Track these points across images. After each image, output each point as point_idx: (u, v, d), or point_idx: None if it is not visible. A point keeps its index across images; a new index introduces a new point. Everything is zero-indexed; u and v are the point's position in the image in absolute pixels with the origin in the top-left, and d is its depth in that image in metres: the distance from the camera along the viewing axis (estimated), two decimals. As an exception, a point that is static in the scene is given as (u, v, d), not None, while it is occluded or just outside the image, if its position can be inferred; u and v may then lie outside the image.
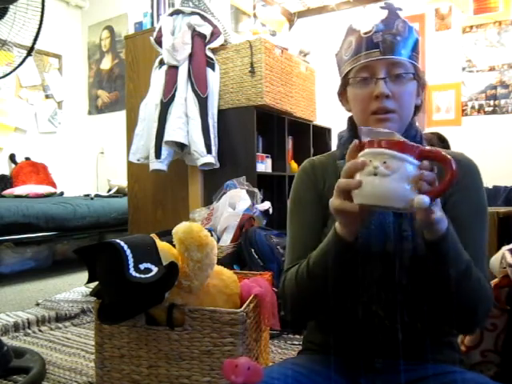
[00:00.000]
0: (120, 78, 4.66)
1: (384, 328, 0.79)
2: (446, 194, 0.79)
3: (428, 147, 0.66)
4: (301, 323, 0.98)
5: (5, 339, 1.80)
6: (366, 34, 0.82)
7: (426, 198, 0.60)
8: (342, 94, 0.90)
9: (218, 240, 2.11)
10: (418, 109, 0.87)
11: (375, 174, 0.62)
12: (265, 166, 2.63)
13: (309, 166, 0.95)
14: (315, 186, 0.92)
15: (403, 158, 0.61)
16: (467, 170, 0.83)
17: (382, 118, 0.80)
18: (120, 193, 4.14)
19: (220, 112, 2.55)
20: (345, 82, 0.87)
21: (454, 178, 0.61)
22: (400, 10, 0.83)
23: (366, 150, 0.65)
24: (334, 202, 0.69)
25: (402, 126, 0.83)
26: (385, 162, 0.61)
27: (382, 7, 0.84)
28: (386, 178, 0.61)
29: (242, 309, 0.97)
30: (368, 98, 0.81)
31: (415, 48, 0.82)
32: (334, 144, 0.96)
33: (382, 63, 0.80)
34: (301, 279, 0.80)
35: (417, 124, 0.88)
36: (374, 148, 0.63)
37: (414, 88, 0.83)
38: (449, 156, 0.62)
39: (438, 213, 0.66)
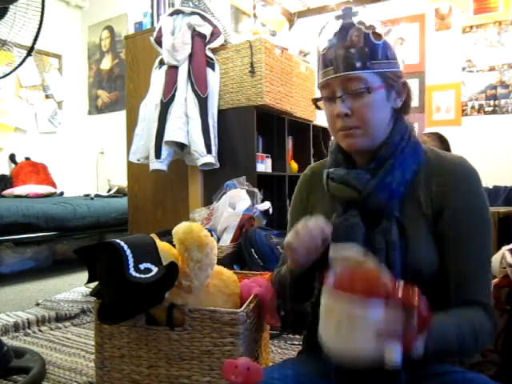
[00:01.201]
0: (120, 77, 4.66)
1: None
2: (443, 204, 0.78)
3: (397, 287, 0.60)
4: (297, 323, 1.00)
5: (5, 339, 1.80)
6: (323, 51, 0.81)
7: (396, 357, 0.57)
8: None
9: (218, 240, 2.11)
10: (402, 110, 0.85)
11: (337, 324, 0.59)
12: (265, 166, 2.63)
13: (307, 175, 0.98)
14: (306, 198, 0.95)
15: (366, 307, 0.56)
16: (465, 178, 0.80)
17: (346, 134, 0.80)
18: (120, 193, 4.14)
19: (220, 112, 2.55)
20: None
21: (425, 326, 0.58)
22: (355, 15, 0.79)
23: (328, 291, 0.61)
24: (289, 238, 0.76)
25: (373, 138, 0.81)
26: (347, 315, 0.58)
27: (336, 17, 0.80)
28: (348, 333, 0.58)
29: (242, 309, 0.97)
30: (333, 117, 0.81)
31: (375, 55, 0.77)
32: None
33: (337, 81, 0.79)
34: (276, 283, 0.94)
35: (405, 125, 0.84)
36: (336, 292, 0.59)
37: (380, 97, 0.79)
38: (416, 302, 0.58)
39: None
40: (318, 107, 0.87)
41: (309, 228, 0.76)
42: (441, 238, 0.78)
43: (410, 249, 0.77)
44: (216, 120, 2.51)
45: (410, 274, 0.76)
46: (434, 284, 0.79)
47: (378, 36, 0.78)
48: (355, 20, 0.78)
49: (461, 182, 0.79)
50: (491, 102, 3.73)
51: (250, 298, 1.04)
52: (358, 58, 0.76)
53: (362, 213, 0.80)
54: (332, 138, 0.92)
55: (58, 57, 4.89)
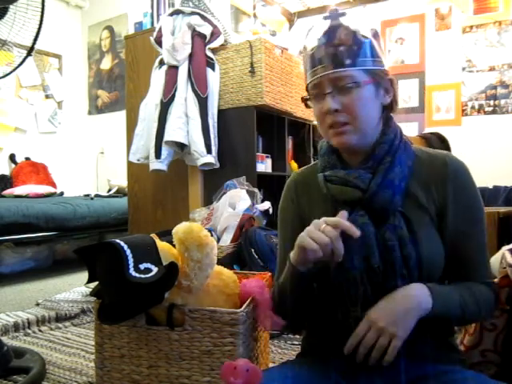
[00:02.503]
0: (120, 77, 4.66)
1: None
2: (444, 196, 0.82)
3: None
4: (294, 326, 1.01)
5: (5, 339, 1.80)
6: (311, 50, 0.82)
7: None
8: None
9: (218, 240, 2.11)
10: (391, 108, 0.86)
11: None
12: (265, 166, 2.63)
13: (291, 184, 0.97)
14: (297, 203, 0.94)
15: None
16: (458, 170, 0.83)
17: (337, 131, 0.81)
18: (120, 193, 4.14)
19: (220, 112, 2.54)
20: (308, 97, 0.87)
21: None
22: (343, 15, 0.81)
23: None
24: (302, 239, 0.75)
25: (363, 135, 0.82)
26: None
27: (324, 17, 0.82)
28: None
29: (242, 309, 0.97)
30: (323, 114, 0.82)
31: (363, 52, 0.79)
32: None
33: (326, 78, 0.80)
34: (278, 294, 0.90)
35: (396, 125, 0.86)
36: None
37: (369, 93, 0.80)
38: None
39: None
40: (307, 106, 0.88)
41: (331, 229, 0.74)
42: (446, 228, 0.82)
43: (419, 241, 0.79)
44: (216, 120, 2.51)
45: (426, 266, 0.79)
46: (442, 272, 0.83)
47: (366, 35, 0.80)
48: (345, 18, 0.81)
49: (455, 174, 0.83)
50: (491, 102, 3.73)
51: (250, 298, 1.04)
52: (347, 55, 0.78)
53: (368, 212, 0.81)
54: (320, 142, 0.92)
55: (58, 57, 4.89)
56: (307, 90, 0.87)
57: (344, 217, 0.76)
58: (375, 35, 0.82)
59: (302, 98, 0.88)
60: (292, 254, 0.80)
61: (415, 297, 0.75)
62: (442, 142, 2.24)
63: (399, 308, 0.74)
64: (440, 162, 0.84)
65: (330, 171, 0.86)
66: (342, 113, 0.80)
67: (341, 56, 0.78)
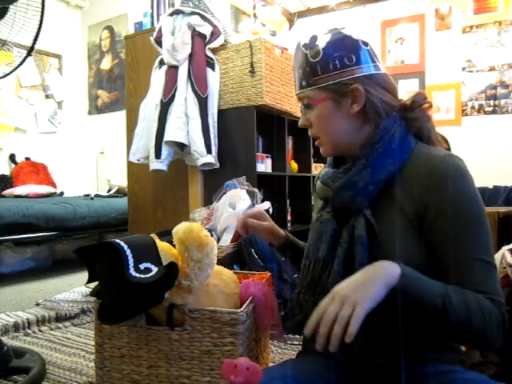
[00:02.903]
0: (120, 77, 4.66)
1: (382, 329, 0.79)
2: (426, 204, 0.76)
3: None
4: None
5: (5, 339, 1.80)
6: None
7: None
8: None
9: (218, 240, 2.11)
10: (371, 114, 0.83)
11: None
12: (265, 166, 2.63)
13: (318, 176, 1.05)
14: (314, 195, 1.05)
15: None
16: (447, 177, 0.76)
17: (316, 142, 0.91)
18: (120, 193, 4.14)
19: (220, 112, 2.54)
20: None
21: None
22: (303, 37, 0.87)
23: None
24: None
25: (336, 145, 0.88)
26: None
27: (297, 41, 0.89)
28: None
29: (242, 309, 0.97)
30: None
31: (315, 71, 0.83)
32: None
33: (297, 97, 0.92)
34: None
35: (388, 127, 0.82)
36: None
37: (326, 109, 0.85)
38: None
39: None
40: None
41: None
42: (429, 231, 0.77)
43: (383, 245, 0.77)
44: (216, 120, 2.51)
45: None
46: None
47: (316, 55, 0.83)
48: (304, 40, 0.86)
49: (442, 181, 0.76)
50: (491, 102, 3.73)
51: (250, 298, 1.04)
52: (302, 77, 0.86)
53: (334, 210, 0.85)
54: None
55: (58, 57, 4.89)
56: None
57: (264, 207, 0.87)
58: (334, 47, 0.82)
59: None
60: None
61: (380, 265, 0.70)
62: (445, 142, 2.24)
63: (363, 276, 0.69)
64: (431, 163, 0.79)
65: (324, 169, 0.94)
66: (311, 128, 0.89)
67: (299, 78, 0.87)
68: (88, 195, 4.16)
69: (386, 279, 0.68)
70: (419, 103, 0.88)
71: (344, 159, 0.91)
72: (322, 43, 0.83)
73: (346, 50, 0.82)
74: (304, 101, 0.88)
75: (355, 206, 0.81)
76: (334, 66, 0.82)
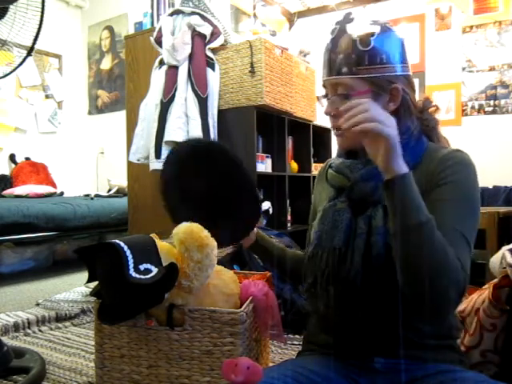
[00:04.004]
0: (120, 78, 4.66)
1: (382, 326, 0.79)
2: (434, 184, 0.79)
3: None
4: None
5: (5, 339, 1.80)
6: (323, 52, 0.87)
7: None
8: None
9: (218, 240, 2.11)
10: (402, 113, 0.85)
11: None
12: (265, 166, 2.63)
13: (322, 168, 1.06)
14: (317, 186, 1.06)
15: None
16: (458, 161, 0.81)
17: (336, 133, 0.88)
18: (120, 193, 4.14)
19: (220, 112, 2.54)
20: None
21: None
22: (349, 21, 0.83)
23: None
24: None
25: (361, 141, 0.81)
26: None
27: (336, 22, 0.86)
28: None
29: (242, 309, 0.97)
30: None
31: (362, 61, 0.80)
32: (334, 143, 1.01)
33: (328, 83, 0.85)
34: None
35: (408, 126, 0.85)
36: None
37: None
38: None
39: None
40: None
41: None
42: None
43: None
44: (216, 120, 2.51)
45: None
46: None
47: (366, 44, 0.81)
48: (352, 25, 0.83)
49: (450, 164, 0.80)
50: (491, 102, 3.73)
51: (250, 298, 1.04)
52: (343, 63, 0.82)
53: (351, 200, 0.84)
54: None
55: (58, 57, 4.89)
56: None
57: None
58: (384, 41, 0.81)
59: (316, 96, 0.93)
60: None
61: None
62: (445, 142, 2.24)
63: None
64: (444, 155, 0.82)
65: (335, 158, 0.93)
66: (339, 118, 0.80)
67: (339, 64, 0.82)
68: (88, 195, 4.16)
69: (400, 161, 0.71)
70: (428, 106, 0.93)
71: (355, 152, 0.89)
72: (374, 34, 0.81)
73: (393, 46, 0.83)
74: (338, 88, 0.84)
75: (374, 198, 0.81)
76: (381, 59, 0.81)
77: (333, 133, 0.90)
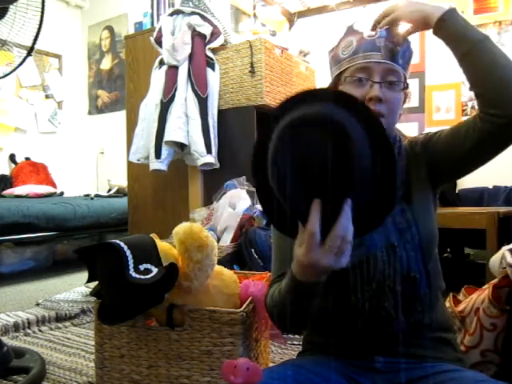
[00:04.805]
0: (120, 78, 4.66)
1: (383, 323, 0.79)
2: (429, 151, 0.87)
3: None
4: (288, 331, 1.00)
5: (5, 339, 1.80)
6: (369, 36, 0.84)
7: None
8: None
9: (218, 240, 2.11)
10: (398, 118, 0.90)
11: None
12: (265, 165, 2.63)
13: None
14: None
15: None
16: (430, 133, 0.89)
17: None
18: (120, 193, 4.14)
19: (220, 112, 2.54)
20: (338, 80, 0.88)
21: None
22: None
23: None
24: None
25: (389, 130, 0.84)
26: None
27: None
28: None
29: (242, 309, 0.97)
30: (365, 100, 0.82)
31: (409, 61, 0.88)
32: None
33: (380, 67, 0.83)
34: (277, 301, 0.79)
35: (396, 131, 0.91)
36: None
37: (401, 97, 0.86)
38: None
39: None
40: (334, 85, 0.89)
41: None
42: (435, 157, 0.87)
43: (421, 223, 0.82)
44: (216, 120, 2.51)
45: (425, 247, 0.81)
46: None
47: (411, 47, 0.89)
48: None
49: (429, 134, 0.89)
50: (491, 102, 3.73)
51: (250, 298, 1.04)
52: (401, 55, 0.86)
53: None
54: None
55: (58, 57, 4.89)
56: (339, 74, 0.87)
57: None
58: (408, 40, 0.90)
59: (334, 80, 0.89)
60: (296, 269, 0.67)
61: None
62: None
63: None
64: (422, 136, 0.91)
65: None
66: (383, 105, 0.82)
67: (397, 54, 0.85)
68: (88, 195, 4.16)
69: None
70: None
71: None
72: None
73: (411, 47, 0.91)
74: (391, 75, 0.84)
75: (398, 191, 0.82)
76: (409, 58, 0.89)
77: None
